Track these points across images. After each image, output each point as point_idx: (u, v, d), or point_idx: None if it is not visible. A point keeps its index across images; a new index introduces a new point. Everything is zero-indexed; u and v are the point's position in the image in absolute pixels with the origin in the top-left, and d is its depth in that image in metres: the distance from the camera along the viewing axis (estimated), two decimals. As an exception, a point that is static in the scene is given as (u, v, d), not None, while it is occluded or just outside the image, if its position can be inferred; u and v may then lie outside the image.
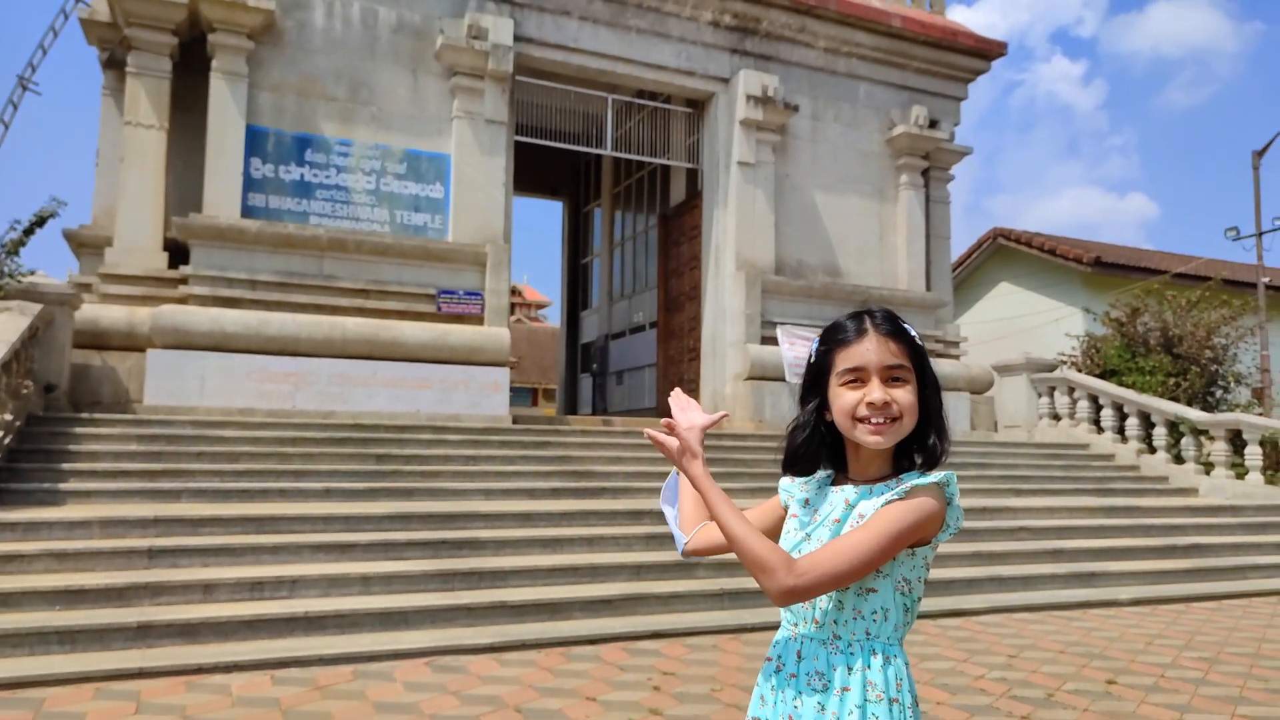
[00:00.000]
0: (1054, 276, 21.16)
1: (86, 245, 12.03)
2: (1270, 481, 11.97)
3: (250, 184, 11.45)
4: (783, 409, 13.29)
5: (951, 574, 8.04)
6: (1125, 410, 13.57)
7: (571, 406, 19.69)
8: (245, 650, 5.54)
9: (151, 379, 10.24)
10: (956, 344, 15.50)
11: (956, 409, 14.31)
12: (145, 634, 5.53)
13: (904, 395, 1.70)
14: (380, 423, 10.37)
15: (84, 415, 9.25)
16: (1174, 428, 13.01)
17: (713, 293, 14.28)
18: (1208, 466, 12.57)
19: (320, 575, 6.45)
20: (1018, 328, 20.87)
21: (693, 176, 15.29)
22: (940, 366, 13.87)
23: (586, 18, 13.23)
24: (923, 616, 7.10)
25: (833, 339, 1.77)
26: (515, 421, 11.69)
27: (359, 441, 9.61)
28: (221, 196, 11.17)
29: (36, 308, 8.99)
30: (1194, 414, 12.73)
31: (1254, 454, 11.98)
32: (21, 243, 11.73)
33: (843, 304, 14.18)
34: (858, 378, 1.71)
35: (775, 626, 1.86)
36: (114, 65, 12.07)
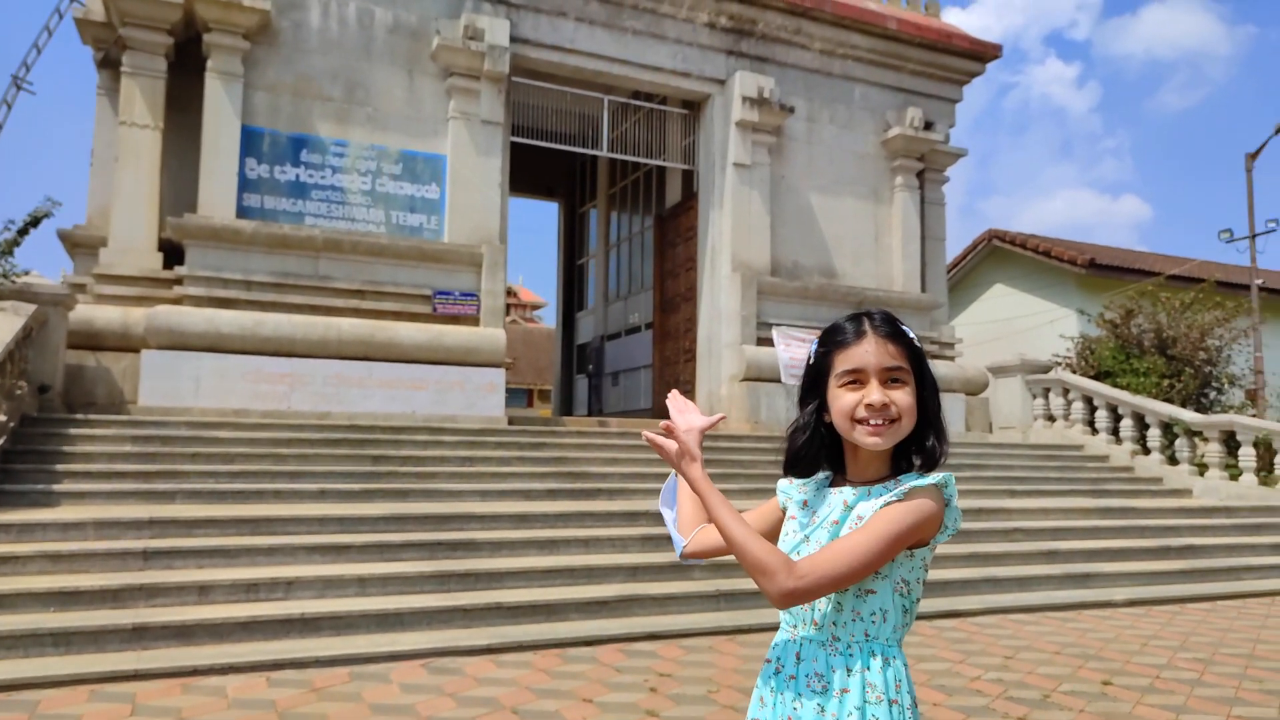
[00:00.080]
0: (1048, 278, 21.21)
1: (81, 245, 12.00)
2: (1264, 483, 12.01)
3: (245, 184, 11.43)
4: (778, 410, 13.31)
5: (947, 575, 8.05)
6: (1120, 411, 13.61)
7: (567, 408, 19.69)
8: (241, 652, 5.53)
9: (146, 380, 10.21)
10: (952, 345, 15.53)
11: (952, 410, 14.33)
12: (140, 636, 5.52)
13: (902, 397, 1.70)
14: (376, 424, 10.36)
15: (78, 416, 9.22)
16: (1168, 429, 13.04)
17: (708, 294, 14.29)
18: (1202, 468, 12.60)
19: (316, 577, 6.44)
20: (1012, 329, 20.92)
21: (688, 178, 15.30)
22: (935, 368, 13.81)
23: (583, 19, 13.24)
24: (919, 617, 7.09)
25: (832, 341, 1.77)
26: (511, 423, 11.69)
27: (354, 443, 9.60)
28: (216, 197, 11.15)
29: (31, 308, 8.97)
30: (1188, 415, 12.77)
31: (1248, 455, 12.02)
32: (16, 243, 11.66)
33: (838, 305, 14.22)
34: (856, 379, 1.71)
35: (771, 628, 1.86)
36: (109, 65, 12.04)
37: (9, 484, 7.43)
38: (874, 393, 1.69)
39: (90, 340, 10.28)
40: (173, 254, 11.12)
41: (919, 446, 1.75)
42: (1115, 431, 13.73)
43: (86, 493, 7.61)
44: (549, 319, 46.57)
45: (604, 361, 18.32)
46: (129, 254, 10.97)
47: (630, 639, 6.36)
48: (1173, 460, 12.93)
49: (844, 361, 1.73)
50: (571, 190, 20.55)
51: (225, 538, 6.91)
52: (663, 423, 1.83)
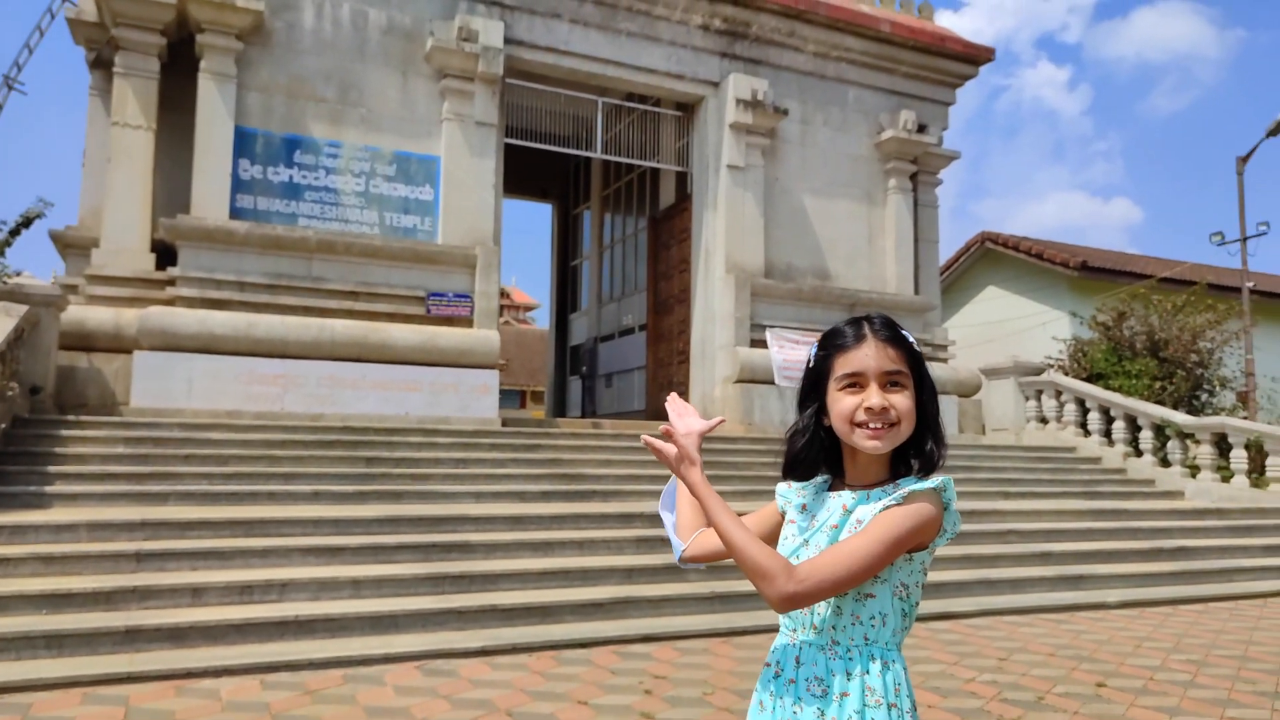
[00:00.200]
0: (1041, 280, 21.28)
1: (73, 246, 11.96)
2: (1255, 484, 12.06)
3: (239, 185, 11.40)
4: (772, 412, 13.32)
5: (941, 577, 8.06)
6: (1112, 413, 13.65)
7: (560, 409, 19.67)
8: (235, 654, 5.51)
9: (138, 381, 10.17)
10: (945, 347, 15.57)
11: (945, 412, 14.27)
12: (133, 638, 5.50)
13: (902, 401, 1.71)
14: (369, 425, 10.34)
15: (70, 418, 9.18)
16: (1160, 431, 13.09)
17: (702, 296, 14.30)
18: (1194, 469, 12.65)
19: (310, 579, 6.42)
20: (1005, 331, 20.97)
21: (682, 180, 15.31)
22: (929, 369, 13.90)
23: (577, 21, 13.24)
24: (912, 619, 7.12)
25: (831, 344, 1.77)
26: (505, 424, 11.68)
27: (348, 444, 9.58)
28: (209, 198, 11.11)
29: (22, 309, 8.93)
30: (1180, 417, 12.82)
31: (1239, 457, 12.07)
32: (7, 244, 11.65)
33: (832, 307, 14.25)
34: (856, 383, 1.72)
35: (766, 629, 1.86)
36: (101, 65, 11.99)
37: (1, 486, 7.39)
38: (873, 396, 1.69)
39: (82, 341, 10.23)
40: (165, 255, 11.08)
41: (918, 450, 1.75)
42: (1108, 434, 13.78)
43: (79, 494, 7.58)
44: (542, 320, 46.58)
45: (597, 363, 18.32)
46: (121, 255, 10.93)
47: (625, 641, 6.36)
48: (1165, 462, 12.98)
49: (844, 365, 1.73)
50: (565, 192, 20.54)
51: (219, 540, 6.89)
52: (662, 426, 1.83)
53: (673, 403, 1.93)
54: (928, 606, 7.49)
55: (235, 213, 11.31)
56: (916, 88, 15.65)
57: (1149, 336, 15.88)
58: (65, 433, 8.68)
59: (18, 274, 10.32)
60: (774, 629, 1.82)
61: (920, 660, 6.05)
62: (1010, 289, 22.12)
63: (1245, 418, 15.97)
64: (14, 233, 11.68)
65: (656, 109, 15.07)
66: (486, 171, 12.51)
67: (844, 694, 1.65)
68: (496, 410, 11.82)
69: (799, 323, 14.00)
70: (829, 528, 1.74)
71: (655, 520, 8.32)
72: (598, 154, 14.91)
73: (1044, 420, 14.63)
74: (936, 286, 16.05)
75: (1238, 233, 20.22)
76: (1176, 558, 9.67)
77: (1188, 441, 12.78)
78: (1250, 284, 19.84)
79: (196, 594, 6.08)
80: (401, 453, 9.63)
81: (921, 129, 15.34)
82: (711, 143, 14.23)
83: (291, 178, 11.70)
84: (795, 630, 1.75)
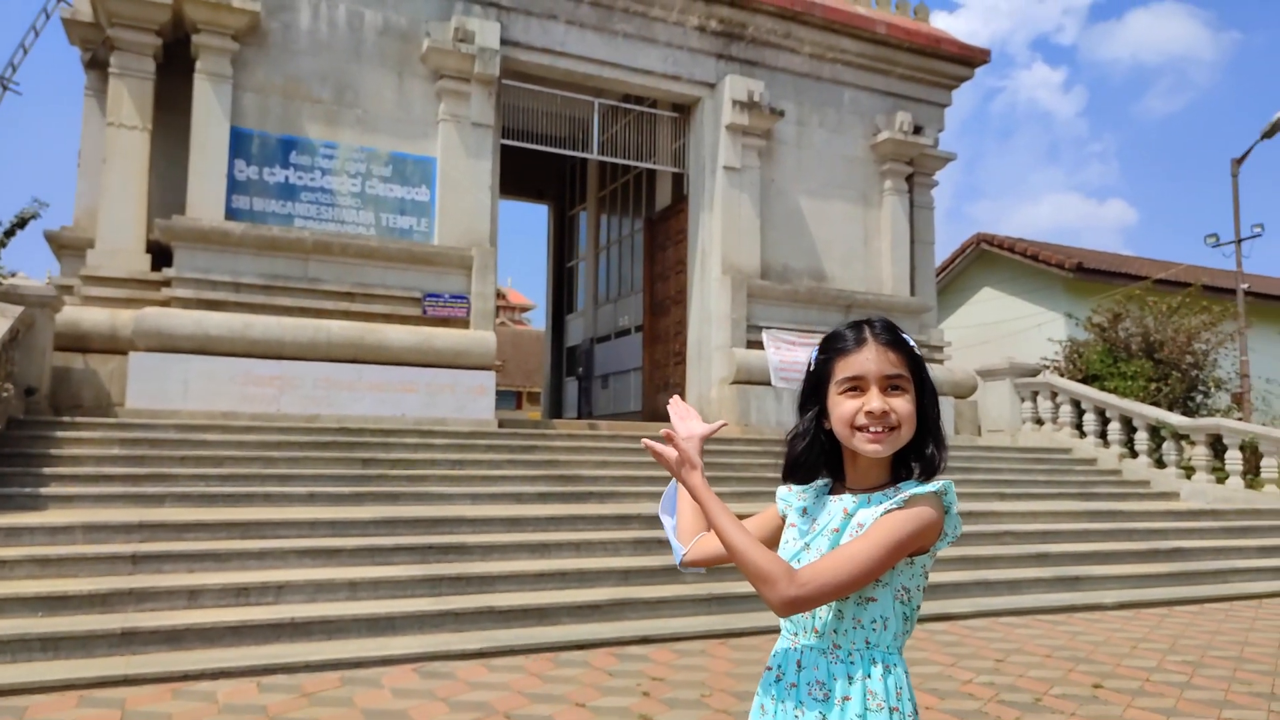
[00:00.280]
0: (1036, 282, 21.32)
1: (68, 247, 11.93)
2: (1250, 486, 12.10)
3: (234, 186, 11.38)
4: (768, 413, 13.33)
5: (938, 578, 8.06)
6: (1107, 415, 13.68)
7: (556, 410, 19.66)
8: (231, 657, 5.50)
9: (134, 382, 10.15)
10: (941, 349, 15.59)
11: (942, 413, 14.36)
12: (130, 640, 5.48)
13: (902, 404, 1.71)
14: (366, 426, 10.32)
15: (65, 419, 9.16)
16: (1155, 432, 13.12)
17: (698, 297, 14.30)
18: (1189, 471, 12.68)
19: (307, 580, 6.41)
20: (1001, 333, 21.00)
21: (678, 181, 15.31)
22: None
23: (573, 22, 13.23)
24: (909, 621, 7.12)
25: (832, 348, 1.77)
26: (501, 425, 11.67)
27: (344, 445, 9.56)
28: (205, 198, 11.09)
29: (17, 310, 8.91)
30: (1175, 419, 12.85)
31: (1234, 458, 12.11)
32: (2, 244, 11.59)
33: (828, 308, 14.27)
34: (857, 386, 1.72)
35: (764, 631, 1.86)
36: (96, 65, 11.97)
37: (-5, 487, 7.37)
38: (874, 400, 1.69)
39: (77, 342, 10.21)
40: (161, 256, 11.06)
41: (918, 454, 1.76)
42: (1103, 435, 13.81)
43: (74, 496, 7.56)
44: (538, 321, 46.57)
45: (594, 364, 18.31)
46: (117, 255, 10.91)
47: (622, 643, 6.36)
48: (1160, 463, 13.01)
49: (844, 369, 1.73)
50: (561, 193, 20.53)
51: (215, 541, 6.87)
52: (663, 429, 1.82)
53: (675, 405, 1.93)
54: (925, 607, 7.44)
55: (231, 214, 11.29)
56: (912, 89, 15.68)
57: (1144, 338, 15.92)
58: (60, 434, 8.66)
59: (12, 275, 10.29)
60: (772, 630, 1.82)
61: (918, 662, 6.06)
62: (1006, 290, 22.16)
63: (1240, 419, 16.01)
64: (9, 233, 11.62)
65: (653, 110, 15.08)
66: (483, 172, 12.51)
67: (845, 698, 1.65)
68: (493, 411, 11.82)
69: (795, 324, 14.01)
70: (830, 531, 1.74)
71: (652, 522, 8.32)
72: (594, 155, 14.90)
73: (1040, 421, 14.65)
74: (932, 288, 16.07)
75: (1233, 234, 20.25)
76: (1172, 559, 9.69)
77: (1183, 443, 12.81)
78: (1245, 285, 19.86)
79: (193, 596, 6.06)
80: (398, 454, 9.61)
81: (917, 130, 15.37)
82: (708, 144, 14.23)
83: (287, 179, 11.69)
84: (796, 634, 1.75)
